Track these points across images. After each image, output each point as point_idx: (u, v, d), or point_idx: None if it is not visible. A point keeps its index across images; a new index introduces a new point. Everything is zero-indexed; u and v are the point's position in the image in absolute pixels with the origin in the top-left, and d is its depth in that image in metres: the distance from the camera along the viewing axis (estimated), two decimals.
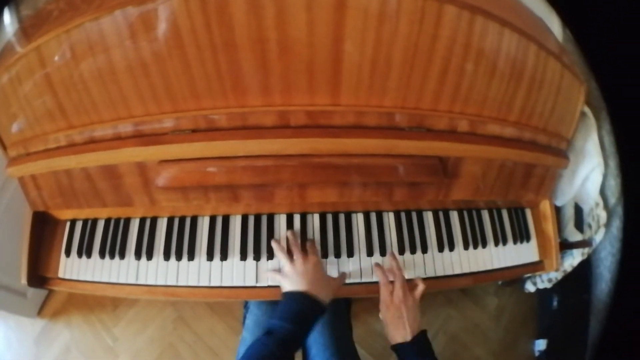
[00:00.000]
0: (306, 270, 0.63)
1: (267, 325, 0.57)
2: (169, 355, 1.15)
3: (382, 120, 0.66)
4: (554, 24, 0.85)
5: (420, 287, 0.68)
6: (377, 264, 0.73)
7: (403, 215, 0.79)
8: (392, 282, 0.68)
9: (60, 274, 0.77)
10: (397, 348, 0.64)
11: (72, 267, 0.76)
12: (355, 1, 0.55)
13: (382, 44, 0.59)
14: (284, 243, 0.74)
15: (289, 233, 0.73)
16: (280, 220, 0.76)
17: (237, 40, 0.57)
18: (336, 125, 0.66)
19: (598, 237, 0.90)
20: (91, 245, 0.77)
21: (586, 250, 0.93)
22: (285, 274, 0.65)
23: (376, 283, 0.74)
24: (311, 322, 0.59)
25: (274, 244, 0.72)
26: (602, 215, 0.88)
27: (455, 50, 0.61)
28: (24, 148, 0.72)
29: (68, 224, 0.80)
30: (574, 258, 0.95)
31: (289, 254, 0.69)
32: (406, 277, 0.71)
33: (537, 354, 1.22)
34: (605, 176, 0.86)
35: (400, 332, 0.63)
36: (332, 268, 0.74)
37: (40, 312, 1.18)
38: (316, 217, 0.77)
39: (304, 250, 0.69)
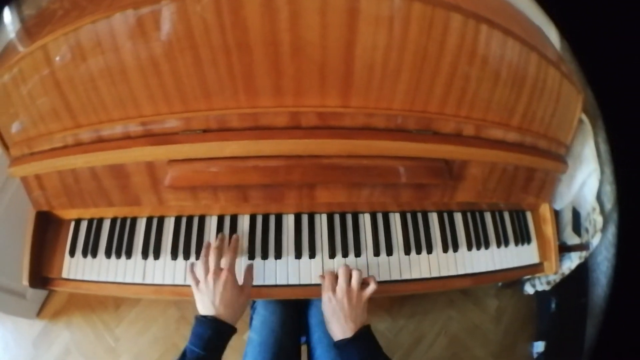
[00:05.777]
0: (216, 291, 0.61)
1: (184, 348, 0.58)
2: (171, 355, 1.14)
3: (391, 123, 0.68)
4: (552, 34, 0.87)
5: (371, 287, 0.65)
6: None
7: (409, 216, 0.80)
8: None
9: (64, 274, 0.76)
10: (338, 345, 0.62)
11: (77, 267, 0.75)
12: (367, 7, 0.56)
13: (393, 48, 0.60)
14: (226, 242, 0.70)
15: (219, 238, 0.69)
16: (288, 220, 0.77)
17: (251, 41, 0.58)
18: (346, 126, 0.67)
19: (595, 241, 0.92)
20: (97, 245, 0.76)
21: (583, 253, 0.95)
22: (199, 289, 0.63)
23: (384, 282, 0.74)
24: (222, 345, 0.60)
25: (203, 250, 0.66)
26: (599, 220, 0.90)
27: (462, 56, 0.63)
28: (28, 147, 0.72)
29: (72, 223, 0.79)
30: (572, 261, 0.97)
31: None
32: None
33: (535, 355, 1.23)
34: (601, 182, 0.88)
35: (340, 327, 0.61)
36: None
37: (39, 313, 1.16)
38: (324, 217, 0.77)
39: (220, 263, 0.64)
